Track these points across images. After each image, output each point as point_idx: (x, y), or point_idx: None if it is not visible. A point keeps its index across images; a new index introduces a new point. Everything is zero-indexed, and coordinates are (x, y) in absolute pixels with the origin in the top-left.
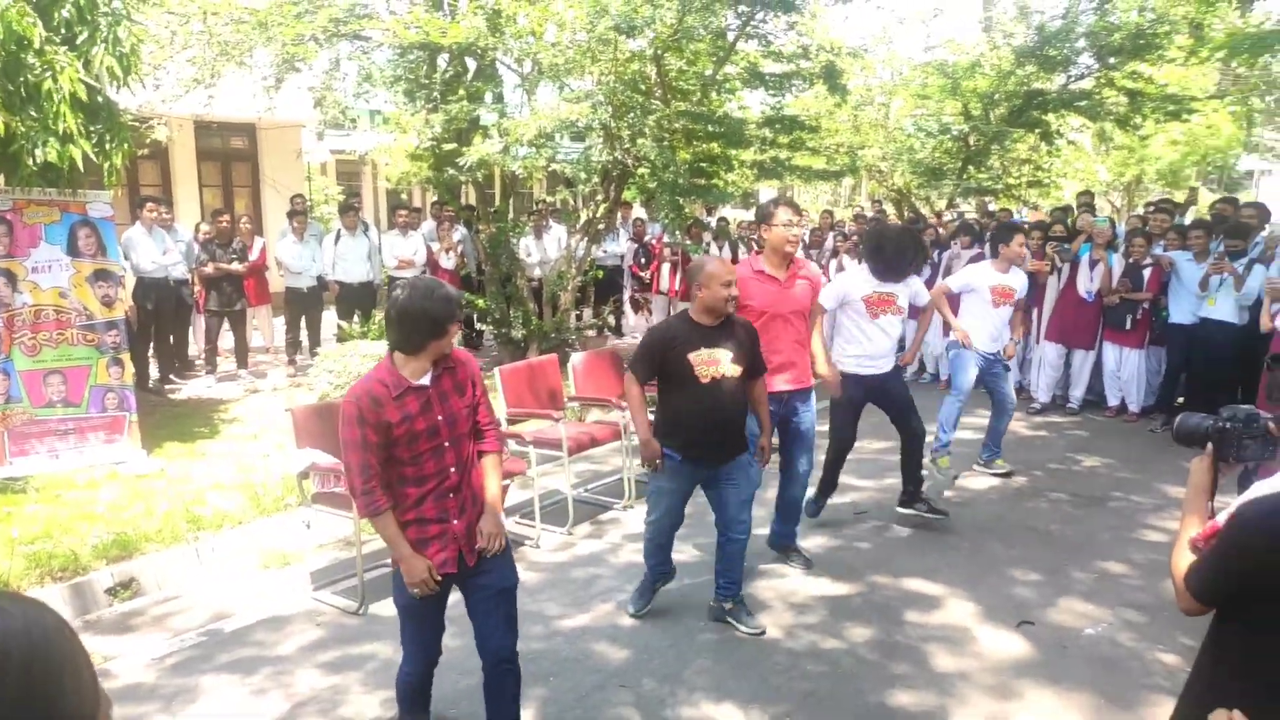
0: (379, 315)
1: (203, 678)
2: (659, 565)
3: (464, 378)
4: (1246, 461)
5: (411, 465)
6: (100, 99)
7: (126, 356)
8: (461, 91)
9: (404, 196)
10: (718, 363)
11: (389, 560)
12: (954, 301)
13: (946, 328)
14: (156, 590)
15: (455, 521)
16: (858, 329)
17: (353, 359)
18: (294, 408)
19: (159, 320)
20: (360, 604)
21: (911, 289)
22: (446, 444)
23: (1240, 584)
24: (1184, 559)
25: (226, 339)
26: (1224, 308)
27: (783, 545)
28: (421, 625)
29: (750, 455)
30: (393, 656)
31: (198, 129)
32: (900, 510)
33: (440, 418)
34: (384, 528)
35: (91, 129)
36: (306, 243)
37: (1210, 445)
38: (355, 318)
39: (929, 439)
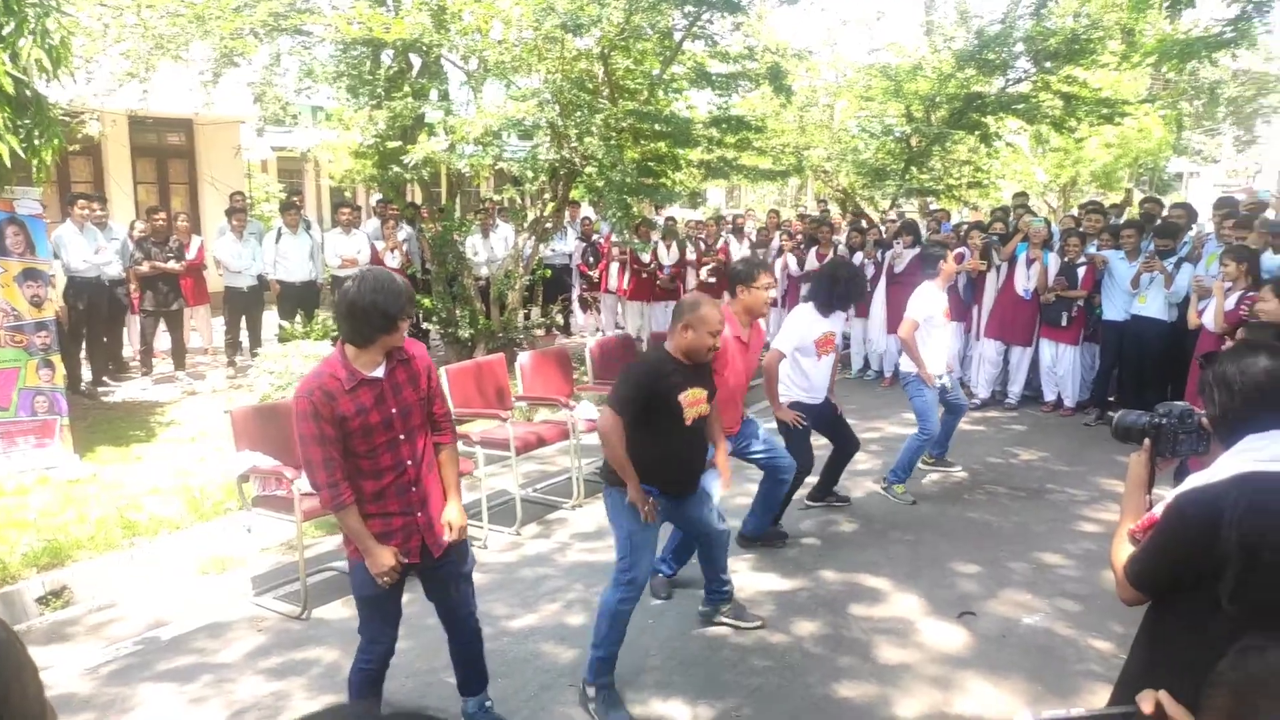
0: (322, 315)
1: (140, 687)
2: (617, 645)
3: (417, 369)
4: (1181, 456)
5: (368, 459)
6: (28, 92)
7: (57, 358)
8: (406, 88)
9: (347, 194)
10: (701, 402)
11: (333, 564)
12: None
13: (892, 324)
14: (90, 599)
15: (419, 514)
16: (803, 367)
17: (295, 359)
18: (233, 409)
19: (91, 321)
20: (303, 608)
21: (840, 320)
22: (401, 436)
23: (1174, 572)
24: (1123, 550)
25: (163, 340)
26: (1154, 305)
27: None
28: (384, 615)
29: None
30: (338, 660)
31: (132, 124)
32: (810, 504)
33: (394, 410)
34: (348, 521)
35: (19, 123)
36: (246, 241)
37: (1147, 441)
38: (298, 317)
39: (872, 463)
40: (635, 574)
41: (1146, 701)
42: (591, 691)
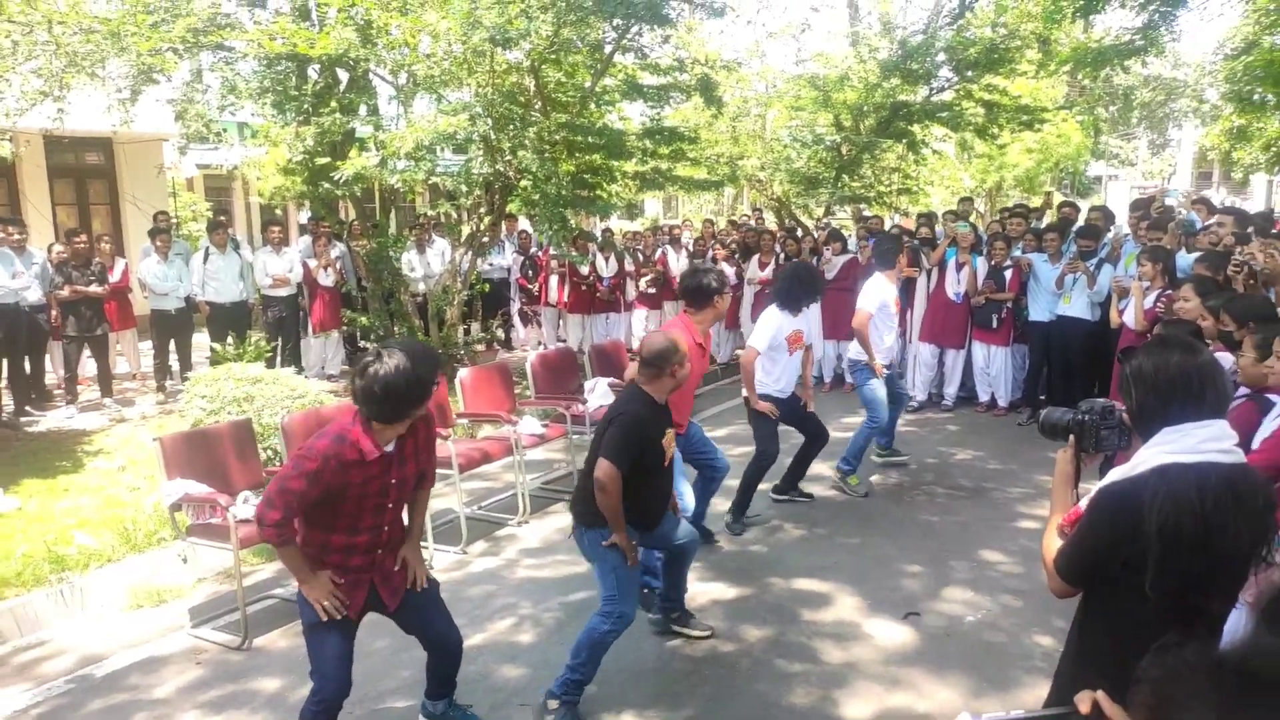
0: (255, 336)
1: None
2: (594, 672)
3: (423, 440)
4: (1104, 451)
5: (351, 518)
6: None
7: None
8: (334, 104)
9: (278, 212)
10: (673, 440)
11: (274, 592)
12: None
13: (827, 330)
14: (17, 637)
15: (378, 570)
16: (776, 363)
17: (227, 383)
18: (162, 436)
19: (11, 348)
20: (244, 638)
21: (808, 319)
22: (390, 505)
23: (1100, 561)
24: (1053, 544)
25: (88, 366)
26: (1078, 305)
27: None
28: (334, 649)
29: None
30: (280, 690)
31: (48, 144)
32: (775, 498)
33: (394, 481)
34: (288, 557)
35: None
36: (172, 262)
37: (1072, 438)
38: (229, 339)
39: (816, 468)
40: (624, 608)
41: (1084, 702)
42: (554, 704)
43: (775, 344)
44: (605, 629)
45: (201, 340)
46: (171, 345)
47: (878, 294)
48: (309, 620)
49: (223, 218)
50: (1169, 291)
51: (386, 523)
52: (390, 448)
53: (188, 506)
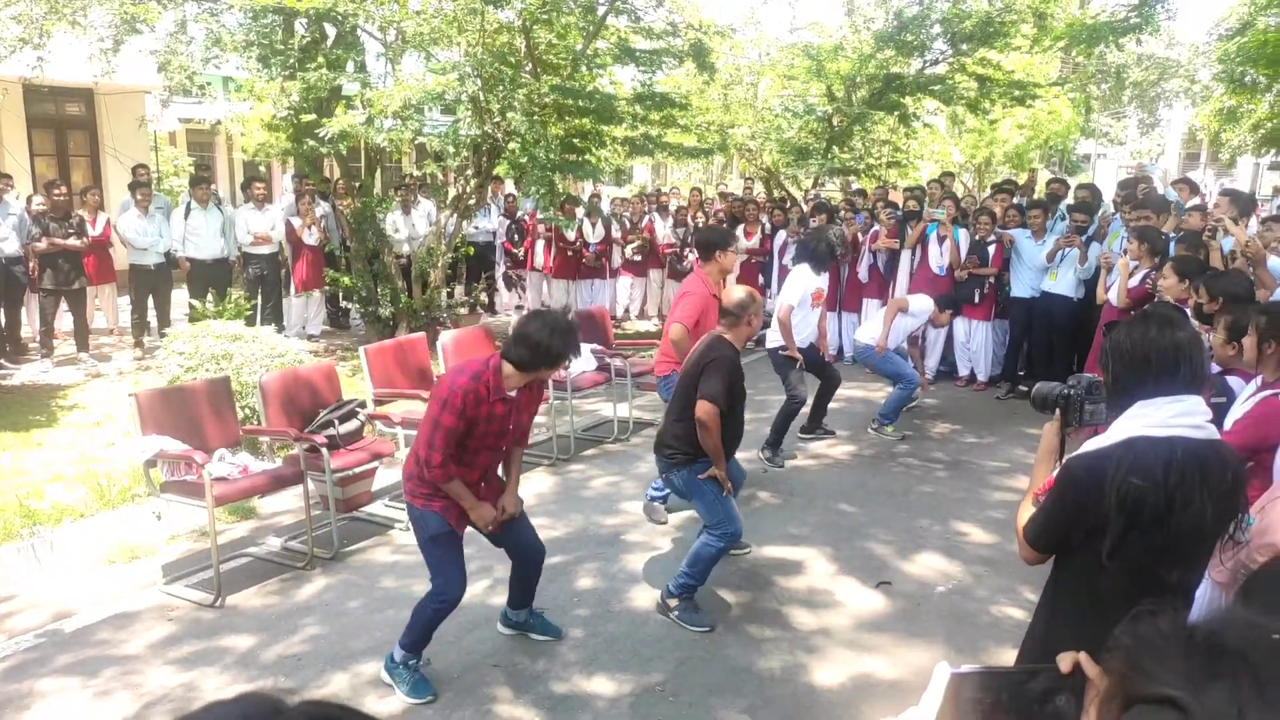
0: (235, 294)
1: (39, 682)
2: (705, 579)
3: (536, 394)
4: (1088, 425)
5: (471, 454)
6: None
7: None
8: (321, 59)
9: (262, 169)
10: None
11: (248, 550)
12: None
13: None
14: None
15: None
16: (799, 317)
17: (205, 340)
18: (138, 392)
19: None
20: (216, 596)
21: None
22: (501, 446)
23: (1065, 530)
24: (1026, 513)
25: (65, 320)
26: (1064, 282)
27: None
28: (456, 558)
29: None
30: (253, 648)
31: (28, 93)
32: (803, 436)
33: (510, 425)
34: (455, 489)
35: None
36: (152, 216)
37: (1058, 411)
38: (209, 297)
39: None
40: (732, 529)
41: (1065, 661)
42: (673, 601)
43: (803, 299)
44: (719, 546)
45: (180, 296)
46: (150, 301)
47: (801, 286)
48: (433, 534)
49: (205, 173)
50: (1155, 272)
51: (492, 464)
52: (513, 394)
53: (162, 463)
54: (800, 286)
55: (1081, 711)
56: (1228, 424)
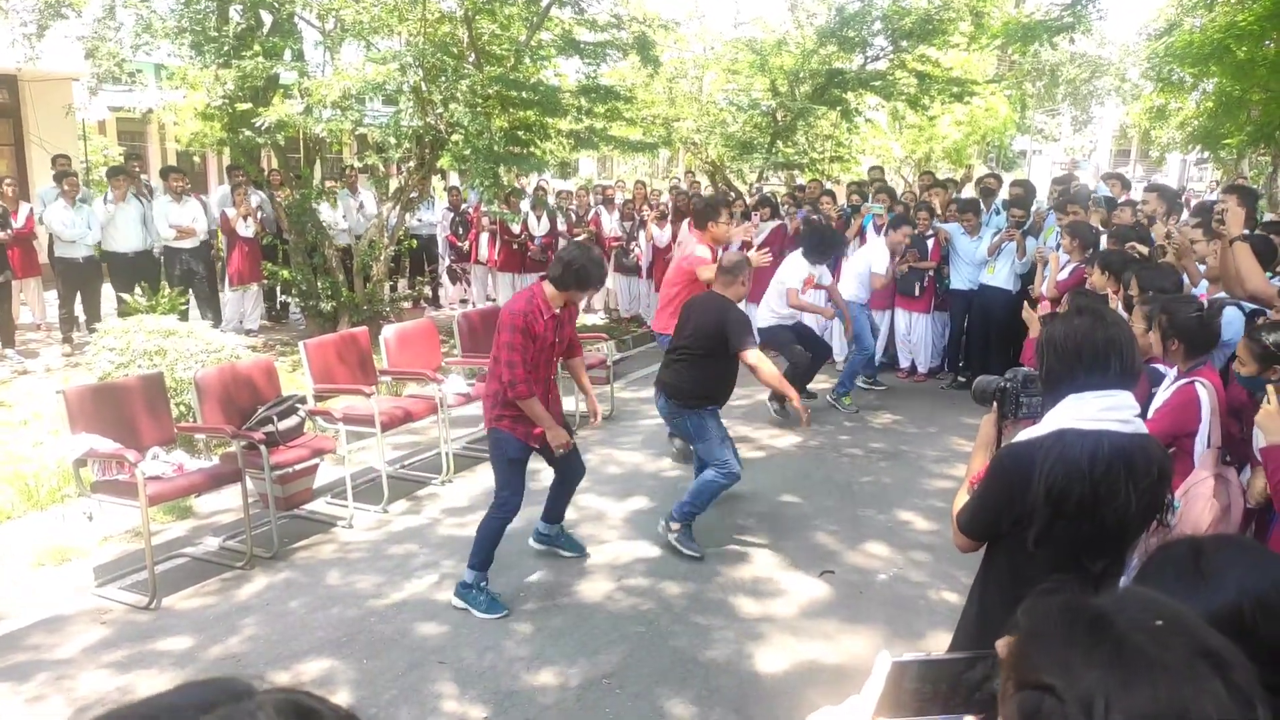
0: (168, 289)
1: None
2: (706, 508)
3: (573, 314)
4: (1024, 418)
5: (534, 369)
6: None
7: None
8: (257, 47)
9: (196, 159)
10: None
11: (185, 550)
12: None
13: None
14: None
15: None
16: (786, 298)
17: (138, 335)
18: (66, 389)
19: None
20: (151, 598)
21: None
22: (554, 358)
23: (995, 518)
24: (961, 501)
25: None
26: (1001, 275)
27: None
28: (522, 475)
29: None
30: (191, 650)
31: None
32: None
33: (557, 340)
34: (532, 407)
35: None
36: (79, 208)
37: (995, 403)
38: (138, 290)
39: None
40: (733, 468)
41: (1004, 647)
42: (675, 525)
43: (796, 284)
44: (721, 482)
45: (110, 291)
46: (78, 296)
47: (797, 273)
48: (512, 457)
49: (132, 163)
50: (1084, 265)
51: (551, 374)
52: (557, 311)
53: (93, 462)
54: (796, 274)
55: None
56: (1149, 412)
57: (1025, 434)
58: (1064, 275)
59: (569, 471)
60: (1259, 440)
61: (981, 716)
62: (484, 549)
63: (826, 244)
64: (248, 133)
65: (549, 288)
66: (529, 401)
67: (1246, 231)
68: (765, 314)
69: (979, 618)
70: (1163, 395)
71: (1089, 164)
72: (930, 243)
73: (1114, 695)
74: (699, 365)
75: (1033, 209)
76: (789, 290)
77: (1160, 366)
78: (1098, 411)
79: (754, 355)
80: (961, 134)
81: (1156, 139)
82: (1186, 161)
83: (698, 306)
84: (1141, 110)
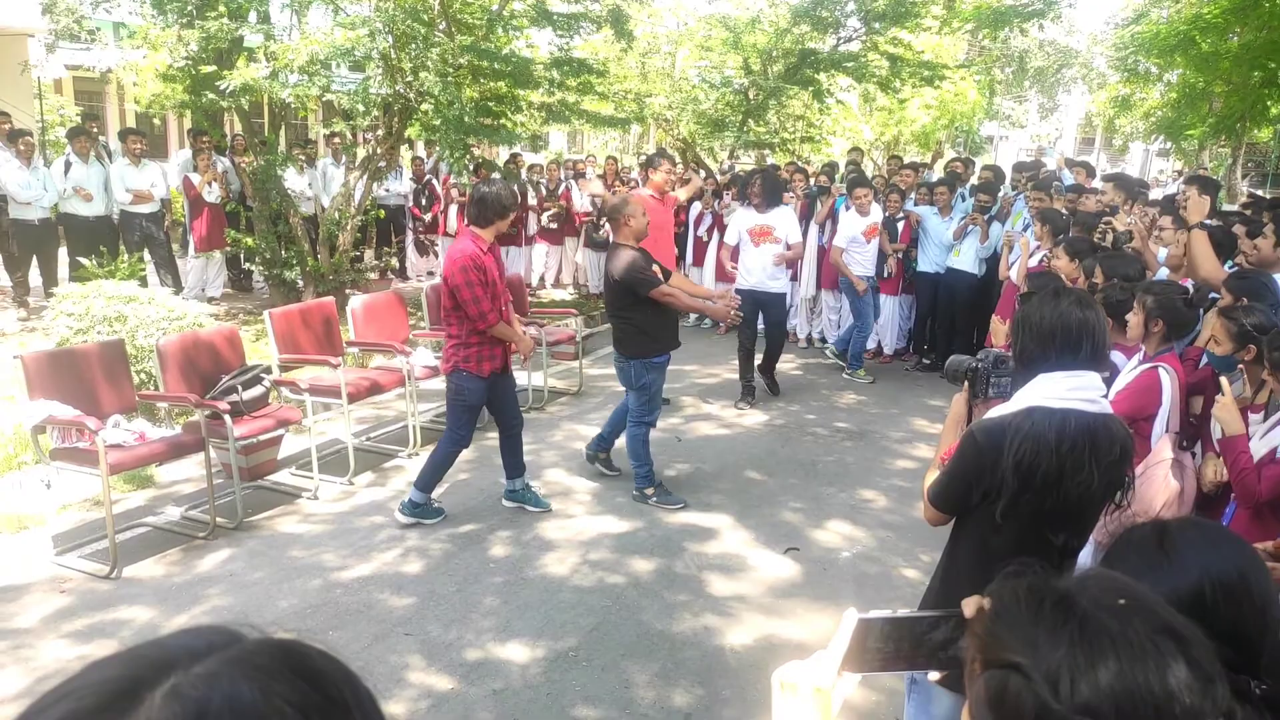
0: (126, 255)
1: None
2: (651, 461)
3: (499, 257)
4: (994, 397)
5: (492, 301)
6: None
7: None
8: (221, 8)
9: (156, 121)
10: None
11: (145, 520)
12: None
13: (720, 273)
14: None
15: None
16: (742, 258)
17: (97, 301)
18: (25, 354)
19: None
20: (112, 567)
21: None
22: (500, 291)
23: (965, 491)
24: (931, 477)
25: None
26: (966, 259)
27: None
28: (473, 417)
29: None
30: (153, 619)
31: None
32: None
33: (501, 272)
34: (502, 329)
35: None
36: (35, 169)
37: (966, 383)
38: (94, 256)
39: (708, 408)
40: (651, 416)
41: (969, 606)
42: (649, 490)
43: (741, 237)
44: (640, 432)
45: (66, 255)
46: (34, 260)
47: (735, 226)
48: (471, 404)
49: (90, 124)
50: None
51: (501, 306)
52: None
53: (52, 429)
54: (737, 226)
55: None
56: (1110, 393)
57: (996, 411)
58: (1034, 262)
59: (509, 422)
60: (1218, 432)
61: (945, 674)
62: (432, 474)
63: (779, 187)
64: (211, 96)
65: (476, 229)
66: (499, 326)
67: (1206, 221)
68: (744, 277)
69: (944, 588)
70: (1125, 378)
71: (1054, 151)
72: (900, 225)
73: (1079, 672)
74: (628, 317)
75: (1000, 194)
76: (724, 248)
77: (1117, 354)
78: (1066, 391)
79: (661, 290)
80: (931, 118)
81: (1120, 128)
82: (1149, 151)
83: (609, 263)
84: (1107, 99)
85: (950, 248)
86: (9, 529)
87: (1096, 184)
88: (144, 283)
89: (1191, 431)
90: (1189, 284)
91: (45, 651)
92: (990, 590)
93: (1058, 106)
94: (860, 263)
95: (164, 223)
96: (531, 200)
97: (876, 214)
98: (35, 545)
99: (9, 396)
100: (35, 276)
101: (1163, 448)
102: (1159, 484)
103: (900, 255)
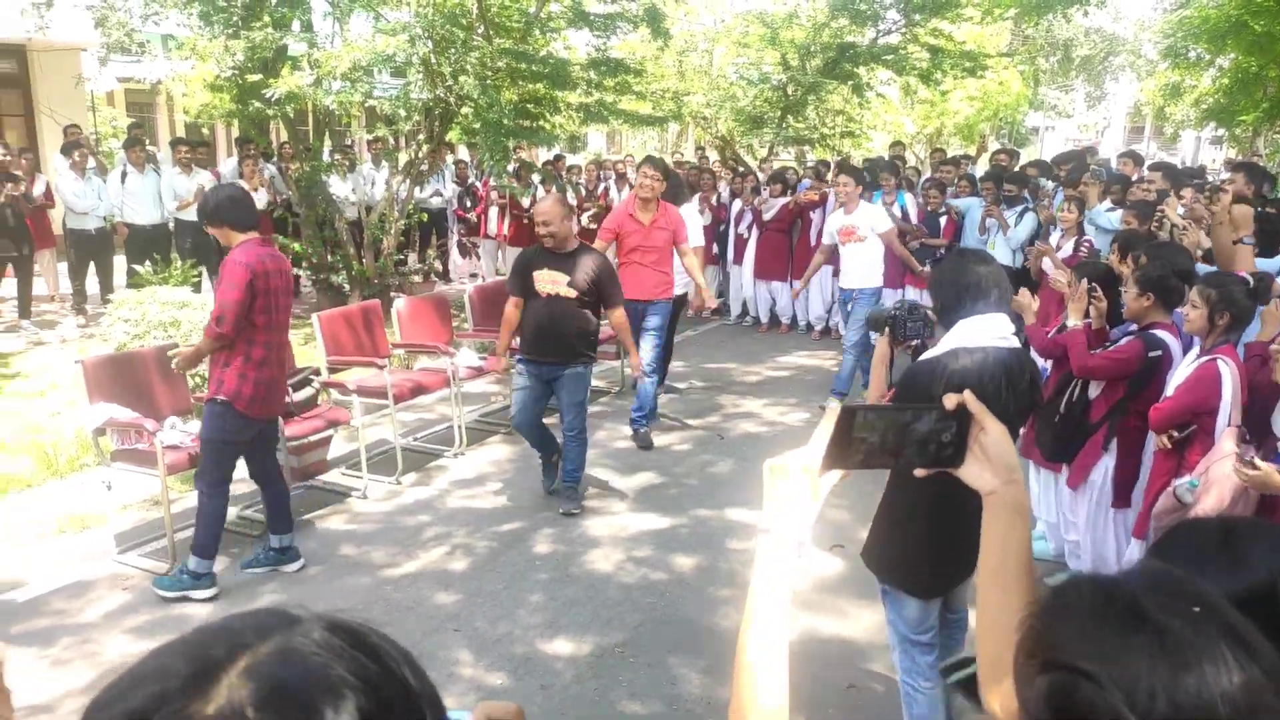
0: (179, 262)
1: None
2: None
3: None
4: (910, 339)
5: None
6: None
7: None
8: (266, 17)
9: (205, 130)
10: (557, 283)
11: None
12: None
13: (759, 270)
14: None
15: None
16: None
17: (152, 306)
18: (85, 359)
19: None
20: (171, 565)
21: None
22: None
23: None
24: None
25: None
26: (1000, 251)
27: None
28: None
29: (583, 367)
30: (211, 615)
31: None
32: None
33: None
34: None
35: None
36: (90, 179)
37: (887, 329)
38: (149, 263)
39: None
40: (515, 418)
41: (950, 400)
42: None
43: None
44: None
45: (121, 263)
46: (92, 267)
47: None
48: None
49: (143, 134)
50: (1088, 239)
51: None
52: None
53: (112, 431)
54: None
55: (965, 449)
56: (1169, 389)
57: (929, 352)
58: (1068, 252)
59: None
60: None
61: (933, 471)
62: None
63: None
64: (257, 104)
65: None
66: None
67: (1246, 238)
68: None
69: (878, 518)
70: (1184, 371)
71: (1103, 142)
72: (943, 220)
73: (1160, 685)
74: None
75: (1045, 186)
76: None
77: (1164, 334)
78: (983, 332)
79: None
80: (974, 109)
81: (1170, 116)
82: (1200, 139)
83: None
84: (1155, 87)
85: (984, 241)
86: (73, 528)
87: (1145, 173)
88: (197, 288)
89: (1255, 425)
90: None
91: (109, 646)
92: (1053, 586)
93: (1105, 95)
94: (847, 270)
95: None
96: (571, 201)
97: (870, 215)
98: (97, 544)
99: (70, 401)
100: (92, 284)
101: (1226, 441)
102: (1226, 482)
103: (943, 250)
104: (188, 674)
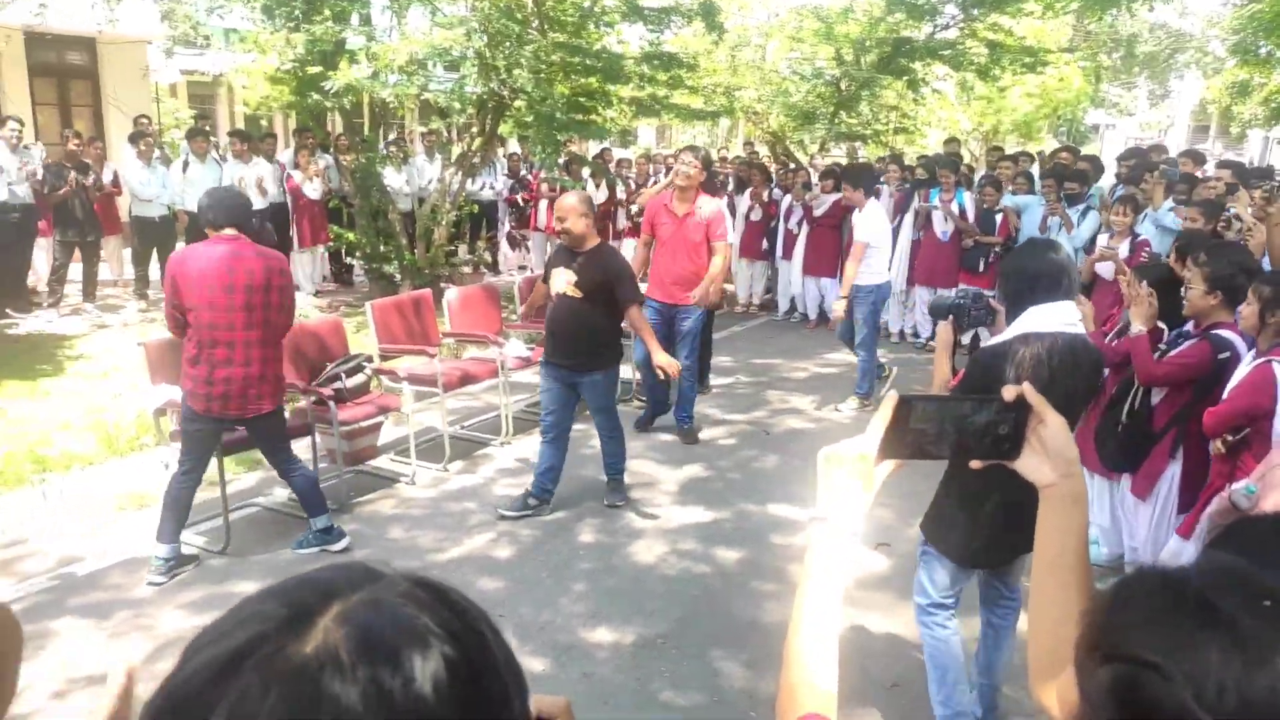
0: None
1: (53, 622)
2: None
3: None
4: (974, 327)
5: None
6: None
7: None
8: (326, 11)
9: (264, 123)
10: (566, 281)
11: (256, 500)
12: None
13: (809, 267)
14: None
15: None
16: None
17: None
18: (147, 342)
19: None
20: (225, 544)
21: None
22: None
23: None
24: None
25: (70, 270)
26: None
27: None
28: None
29: (600, 375)
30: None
31: (29, 41)
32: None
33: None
34: None
35: None
36: (154, 168)
37: (951, 316)
38: None
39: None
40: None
41: (1009, 392)
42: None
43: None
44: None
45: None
46: (155, 254)
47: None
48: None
49: (205, 125)
50: (1142, 237)
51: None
52: None
53: (172, 412)
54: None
55: (1023, 441)
56: (1226, 391)
57: (993, 340)
58: (1125, 251)
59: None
60: None
61: (988, 462)
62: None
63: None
64: (316, 96)
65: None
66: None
67: None
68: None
69: (935, 506)
70: (1239, 374)
71: (1166, 140)
72: (999, 218)
73: (1233, 679)
74: None
75: (1098, 186)
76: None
77: (1229, 333)
78: (1053, 318)
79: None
80: (1032, 106)
81: (1238, 115)
82: (1269, 139)
83: None
84: (1223, 85)
85: (1079, 249)
86: (132, 506)
87: (1209, 171)
88: None
89: None
90: None
91: (164, 621)
92: (1119, 580)
93: (1169, 93)
94: (874, 268)
95: (284, 219)
96: (621, 194)
97: (862, 218)
98: (155, 522)
99: (132, 384)
100: (155, 270)
101: None
102: None
103: (998, 249)
104: (285, 617)
